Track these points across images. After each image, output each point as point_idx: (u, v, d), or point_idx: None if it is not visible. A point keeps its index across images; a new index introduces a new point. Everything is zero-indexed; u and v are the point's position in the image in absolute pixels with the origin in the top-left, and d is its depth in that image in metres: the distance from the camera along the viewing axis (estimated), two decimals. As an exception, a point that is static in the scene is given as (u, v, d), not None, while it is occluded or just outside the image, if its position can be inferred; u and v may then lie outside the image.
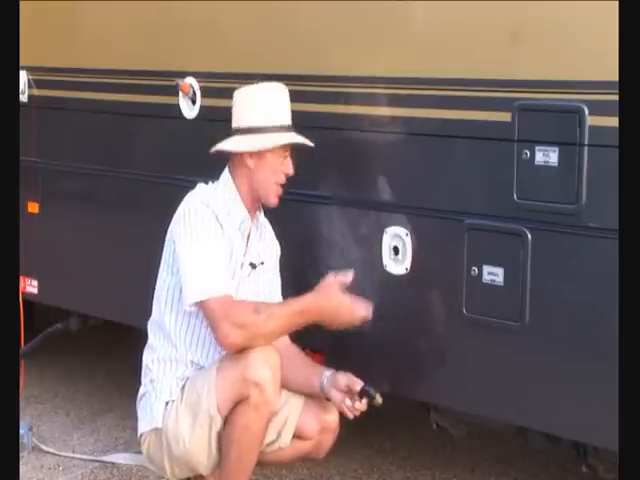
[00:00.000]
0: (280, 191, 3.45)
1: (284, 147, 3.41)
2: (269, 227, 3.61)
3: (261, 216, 3.57)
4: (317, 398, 3.50)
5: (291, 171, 3.43)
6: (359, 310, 3.32)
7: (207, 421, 3.31)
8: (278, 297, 3.61)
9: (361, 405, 3.39)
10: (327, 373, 3.45)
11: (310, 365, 3.54)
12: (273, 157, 3.40)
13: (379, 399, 3.38)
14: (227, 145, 3.43)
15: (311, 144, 3.42)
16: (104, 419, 4.86)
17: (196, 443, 3.34)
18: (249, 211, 3.48)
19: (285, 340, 3.56)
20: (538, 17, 3.05)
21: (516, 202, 3.12)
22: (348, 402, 3.39)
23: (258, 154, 3.40)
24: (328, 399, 3.44)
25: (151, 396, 3.44)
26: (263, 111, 3.39)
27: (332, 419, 3.49)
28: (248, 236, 3.51)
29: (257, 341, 3.25)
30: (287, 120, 3.42)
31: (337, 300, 3.30)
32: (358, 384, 3.38)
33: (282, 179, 3.43)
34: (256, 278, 3.54)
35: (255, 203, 3.50)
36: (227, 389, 3.27)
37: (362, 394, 3.38)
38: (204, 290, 3.28)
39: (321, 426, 3.50)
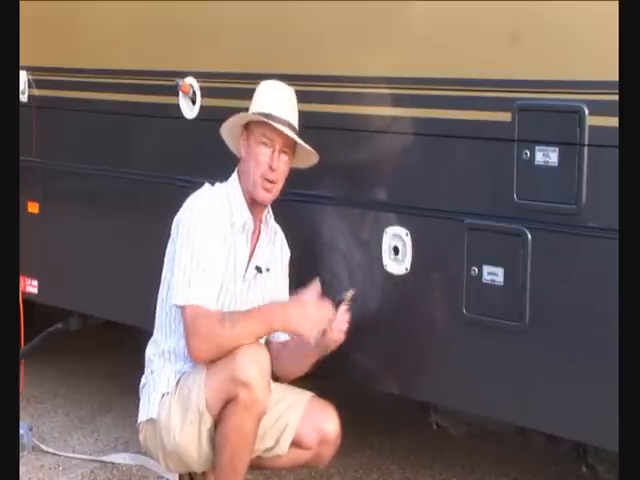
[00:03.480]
0: (268, 185, 3.43)
1: (272, 140, 3.40)
2: (280, 233, 3.61)
3: (271, 220, 3.57)
4: (319, 407, 3.51)
5: (275, 164, 3.40)
6: (326, 316, 3.30)
7: (196, 417, 3.31)
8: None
9: (344, 312, 3.37)
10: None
11: (297, 341, 3.49)
12: (255, 143, 3.41)
13: (349, 294, 3.37)
14: (224, 123, 3.48)
15: (316, 157, 3.44)
16: (104, 419, 4.86)
17: (185, 438, 3.34)
18: (252, 212, 3.48)
19: (288, 341, 3.57)
20: (538, 17, 3.05)
21: (516, 202, 3.12)
22: (339, 325, 3.36)
23: (247, 141, 3.43)
24: (330, 344, 3.40)
25: (150, 387, 3.46)
26: (272, 102, 3.42)
27: (333, 431, 3.49)
28: (257, 238, 3.52)
29: (225, 349, 3.26)
30: (292, 119, 3.43)
31: (305, 306, 3.28)
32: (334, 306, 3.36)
33: (267, 172, 3.41)
34: (261, 282, 3.54)
35: (255, 202, 3.49)
36: (216, 388, 3.27)
37: (338, 305, 3.37)
38: (185, 296, 3.31)
39: (321, 437, 3.49)
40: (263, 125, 3.40)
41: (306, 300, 3.31)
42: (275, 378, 3.48)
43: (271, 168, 3.41)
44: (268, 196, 3.46)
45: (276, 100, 3.44)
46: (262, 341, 3.49)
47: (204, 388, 3.29)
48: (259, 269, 3.52)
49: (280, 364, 3.48)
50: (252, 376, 3.21)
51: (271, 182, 3.43)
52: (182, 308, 3.32)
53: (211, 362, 3.33)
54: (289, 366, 3.52)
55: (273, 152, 3.41)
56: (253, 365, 3.23)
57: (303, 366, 3.50)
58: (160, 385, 3.43)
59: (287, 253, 3.62)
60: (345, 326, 3.38)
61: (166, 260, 3.49)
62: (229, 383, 3.24)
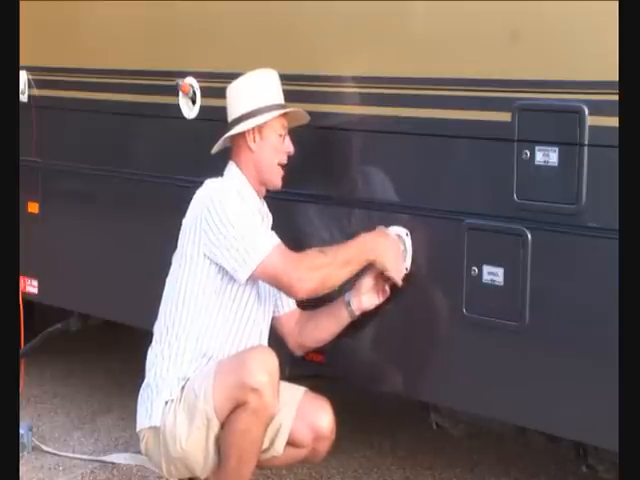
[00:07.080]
0: (282, 173, 3.47)
1: (282, 125, 3.45)
2: (265, 206, 3.62)
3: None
4: (311, 403, 3.51)
5: (292, 149, 3.46)
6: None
7: (204, 423, 3.31)
8: None
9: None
10: (347, 297, 3.48)
11: (327, 309, 3.54)
12: (274, 134, 3.44)
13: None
14: (229, 132, 3.46)
15: (308, 117, 3.48)
16: (104, 419, 4.86)
17: (193, 444, 3.34)
18: (260, 199, 3.51)
19: (295, 310, 3.62)
20: (538, 17, 3.05)
21: (516, 202, 3.12)
22: (386, 287, 3.46)
23: (260, 134, 3.43)
24: (366, 310, 3.47)
25: (153, 392, 3.43)
26: (255, 96, 3.44)
27: (326, 426, 3.49)
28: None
29: (330, 281, 3.31)
30: (280, 100, 3.47)
31: (388, 236, 3.38)
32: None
33: (284, 159, 3.46)
34: None
35: (261, 189, 3.51)
36: (225, 393, 3.27)
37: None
38: (262, 249, 3.28)
39: (315, 434, 3.49)
40: (281, 116, 3.44)
41: (388, 232, 3.39)
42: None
43: (288, 154, 3.46)
44: (281, 182, 3.50)
45: (272, 88, 3.46)
46: (271, 317, 3.56)
47: (212, 394, 3.28)
48: None
49: (304, 337, 3.56)
50: (262, 382, 3.22)
51: (283, 167, 3.48)
52: (262, 264, 3.28)
53: (219, 365, 3.34)
54: (315, 337, 3.56)
55: (285, 138, 3.46)
56: (263, 371, 3.23)
57: (333, 332, 3.53)
58: (163, 391, 3.40)
59: (270, 215, 3.60)
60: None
61: (175, 262, 3.47)
62: (239, 389, 3.23)
